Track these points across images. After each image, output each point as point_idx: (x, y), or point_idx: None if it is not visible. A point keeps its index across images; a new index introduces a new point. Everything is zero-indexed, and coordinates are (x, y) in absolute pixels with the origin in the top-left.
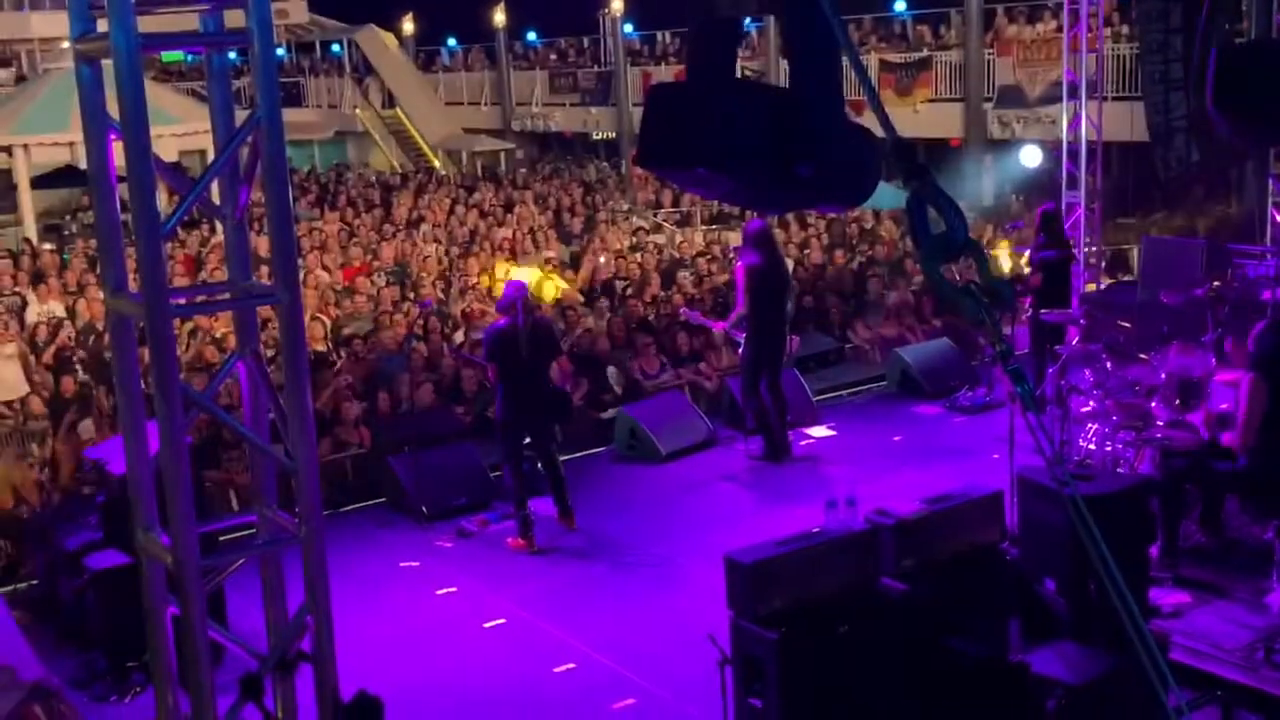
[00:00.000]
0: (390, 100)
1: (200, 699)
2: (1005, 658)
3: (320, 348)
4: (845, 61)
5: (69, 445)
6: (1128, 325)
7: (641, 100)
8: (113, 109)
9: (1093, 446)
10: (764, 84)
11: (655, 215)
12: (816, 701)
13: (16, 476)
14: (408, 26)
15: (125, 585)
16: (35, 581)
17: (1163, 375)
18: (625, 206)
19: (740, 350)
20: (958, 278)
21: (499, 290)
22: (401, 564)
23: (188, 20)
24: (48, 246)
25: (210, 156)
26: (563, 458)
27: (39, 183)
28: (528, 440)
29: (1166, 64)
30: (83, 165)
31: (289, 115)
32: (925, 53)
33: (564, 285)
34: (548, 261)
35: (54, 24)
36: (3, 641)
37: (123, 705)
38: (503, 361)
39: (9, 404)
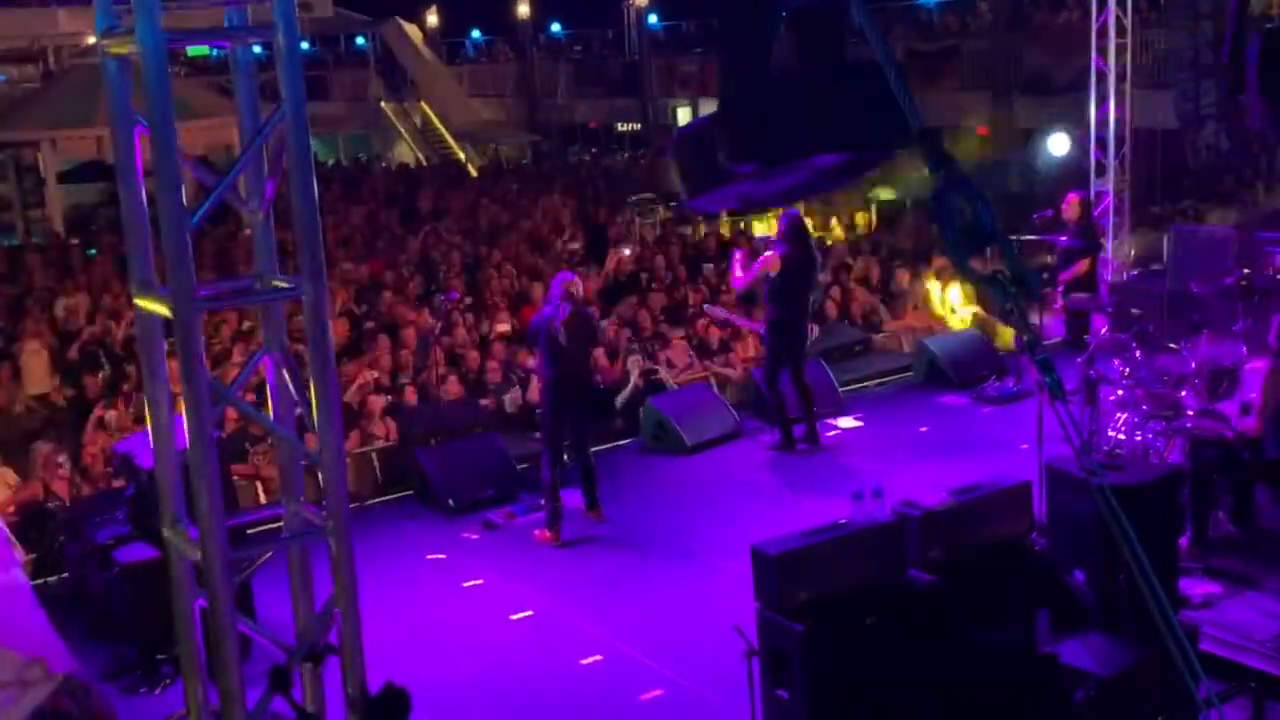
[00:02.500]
0: (416, 92)
1: (229, 691)
2: (1033, 649)
3: (346, 341)
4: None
5: (97, 438)
6: (1140, 312)
7: (666, 92)
8: (139, 104)
9: (1122, 436)
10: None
11: (681, 206)
12: (843, 693)
13: (46, 470)
14: (432, 19)
15: (154, 578)
16: (65, 574)
17: (1193, 365)
18: (650, 197)
19: (764, 340)
20: (985, 267)
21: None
22: (428, 556)
23: (213, 15)
24: (74, 241)
25: (236, 150)
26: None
27: (66, 177)
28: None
29: (1196, 50)
30: (109, 160)
31: (314, 108)
32: (952, 41)
33: None
34: (571, 254)
35: (80, 20)
36: (34, 634)
37: (152, 697)
38: (545, 347)
39: (37, 398)
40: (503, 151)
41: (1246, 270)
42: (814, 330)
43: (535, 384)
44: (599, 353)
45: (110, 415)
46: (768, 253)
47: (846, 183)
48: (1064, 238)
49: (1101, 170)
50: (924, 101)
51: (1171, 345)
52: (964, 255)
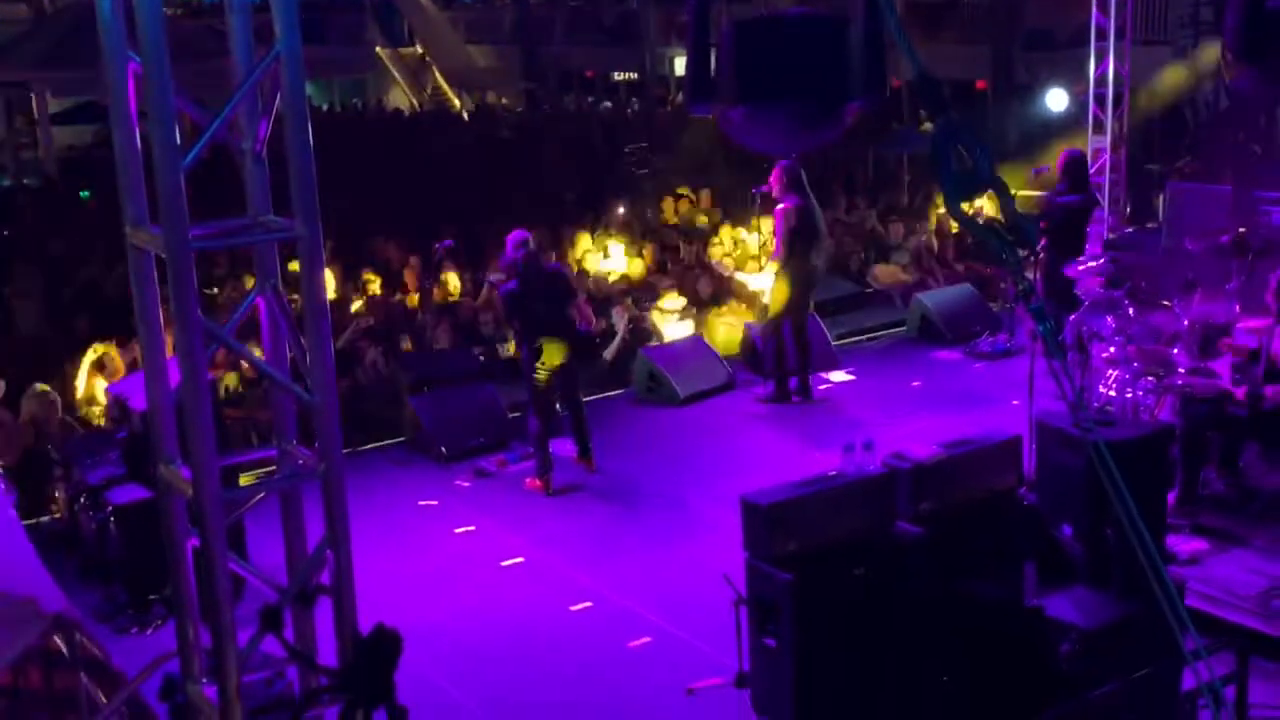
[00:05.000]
0: (410, 37)
1: (221, 630)
2: (1020, 602)
3: (339, 288)
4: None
5: (90, 381)
6: (1143, 283)
7: (664, 40)
8: (133, 44)
9: (1113, 393)
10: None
11: (677, 156)
12: (830, 643)
13: (39, 412)
14: None
15: (146, 520)
16: (57, 515)
17: (1185, 322)
18: (645, 146)
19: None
20: (982, 217)
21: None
22: (420, 502)
23: None
24: (68, 183)
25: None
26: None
27: (59, 118)
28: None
29: (1196, 7)
30: (103, 101)
31: (308, 52)
32: None
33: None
34: (567, 204)
35: None
36: (26, 574)
37: (144, 637)
38: (522, 320)
39: (29, 339)
40: (499, 97)
41: (1242, 229)
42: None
43: None
44: (581, 300)
45: (104, 357)
46: (781, 206)
47: (820, 138)
48: (1049, 193)
49: (1100, 127)
50: (923, 54)
51: (1164, 303)
52: (960, 202)
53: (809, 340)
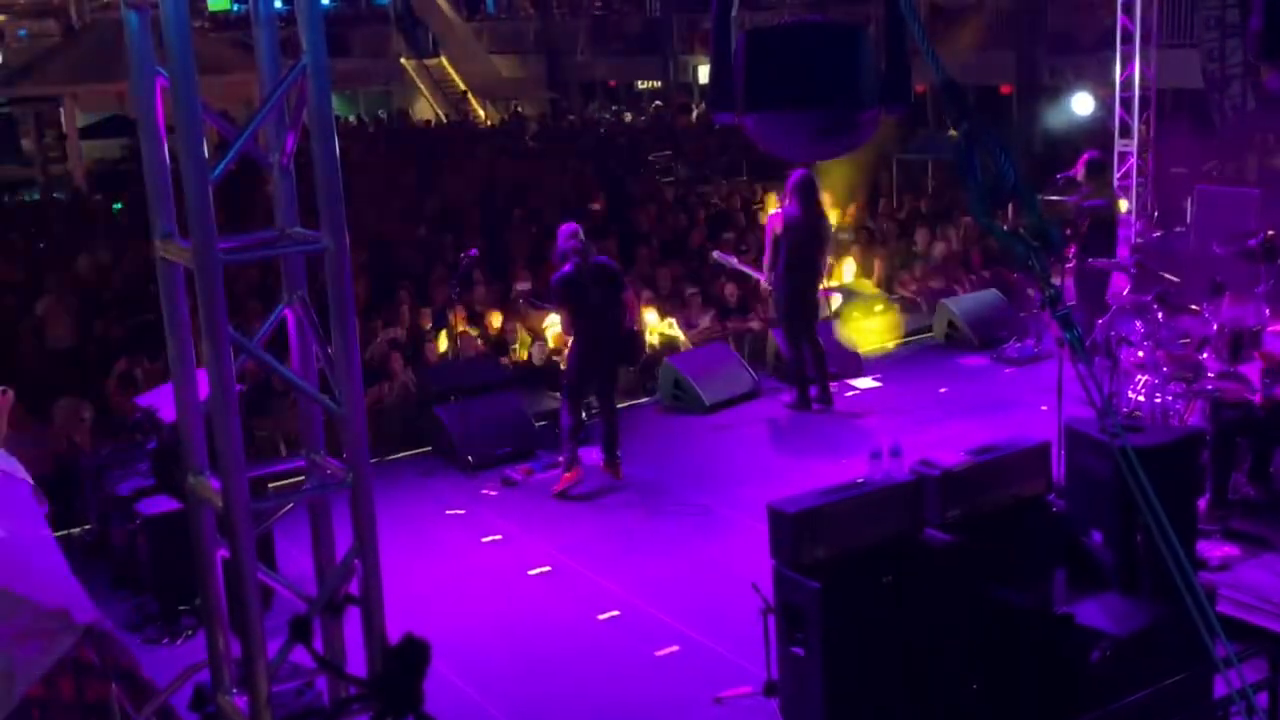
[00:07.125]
0: (435, 48)
1: (250, 641)
2: (1050, 609)
3: (366, 299)
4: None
5: (120, 393)
6: (1176, 279)
7: (687, 49)
8: (160, 58)
9: (1142, 398)
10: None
11: (701, 164)
12: (859, 651)
13: (69, 423)
14: None
15: (176, 531)
16: (88, 526)
17: (1214, 326)
18: (669, 154)
19: (774, 302)
20: (1007, 222)
21: None
22: (448, 512)
23: None
24: (97, 196)
25: (256, 105)
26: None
27: (88, 132)
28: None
29: (1223, 9)
30: (131, 115)
31: (334, 64)
32: None
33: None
34: (592, 214)
35: None
36: (57, 585)
37: (174, 648)
38: (575, 305)
39: (59, 352)
40: (523, 107)
41: (1270, 231)
42: (834, 296)
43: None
44: (628, 295)
45: (134, 370)
46: (771, 212)
47: (839, 145)
48: (1075, 197)
49: (1126, 130)
50: (946, 59)
51: (1193, 307)
52: (987, 211)
53: (821, 347)
